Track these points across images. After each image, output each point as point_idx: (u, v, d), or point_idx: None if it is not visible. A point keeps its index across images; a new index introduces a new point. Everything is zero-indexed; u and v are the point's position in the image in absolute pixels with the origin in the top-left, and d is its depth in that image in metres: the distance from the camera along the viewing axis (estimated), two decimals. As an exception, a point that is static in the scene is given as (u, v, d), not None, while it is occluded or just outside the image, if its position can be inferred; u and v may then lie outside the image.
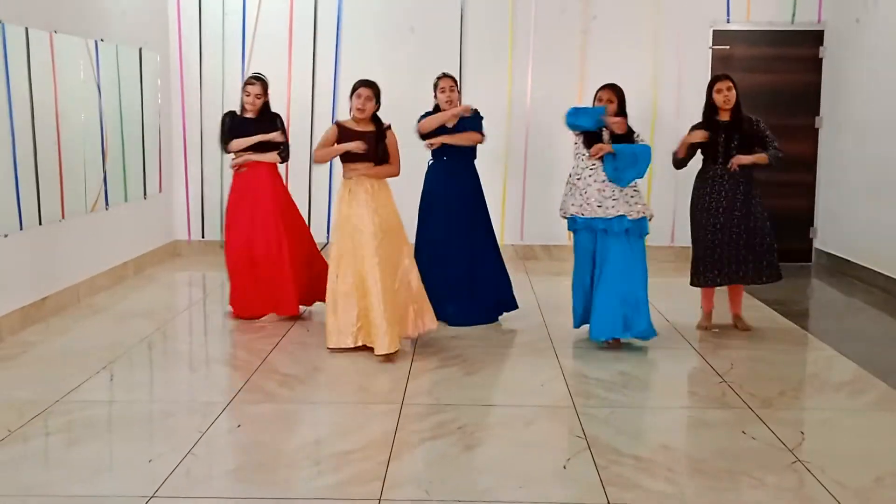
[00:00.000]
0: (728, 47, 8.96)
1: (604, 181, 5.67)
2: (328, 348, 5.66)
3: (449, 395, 4.95)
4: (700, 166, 6.31)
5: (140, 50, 8.13)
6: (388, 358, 5.47)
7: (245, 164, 6.50)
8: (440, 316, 6.03)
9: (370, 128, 5.73)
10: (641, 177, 5.74)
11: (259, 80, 6.54)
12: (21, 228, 6.12)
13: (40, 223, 6.37)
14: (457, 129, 6.35)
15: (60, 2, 6.77)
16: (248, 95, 6.49)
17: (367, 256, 5.53)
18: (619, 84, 5.88)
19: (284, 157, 6.60)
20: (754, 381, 5.16)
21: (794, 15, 8.93)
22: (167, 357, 5.70)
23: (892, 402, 4.86)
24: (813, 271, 8.93)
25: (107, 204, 7.48)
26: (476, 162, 6.53)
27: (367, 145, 5.63)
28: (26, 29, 6.15)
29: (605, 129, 5.72)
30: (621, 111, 5.78)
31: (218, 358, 5.71)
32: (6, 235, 5.95)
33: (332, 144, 5.71)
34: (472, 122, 6.38)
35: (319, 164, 6.00)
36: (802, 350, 6.03)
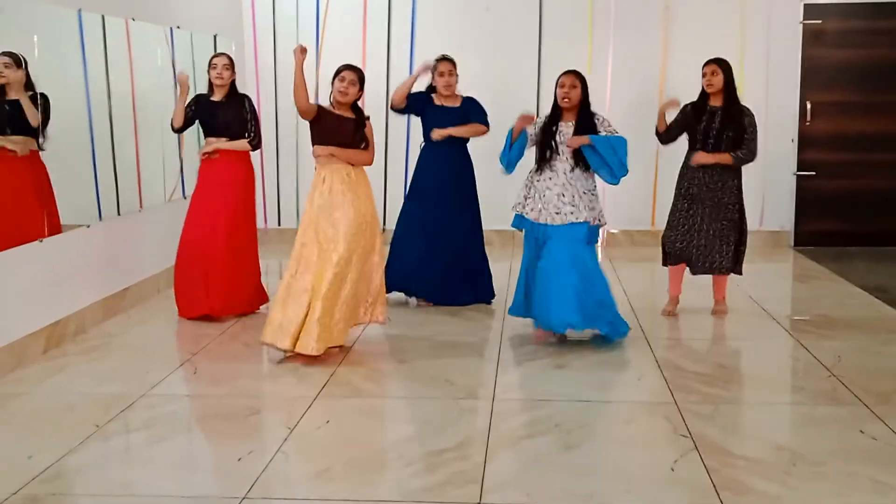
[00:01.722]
0: (820, 21, 8.54)
1: (563, 185, 5.33)
2: (262, 342, 5.23)
3: (542, 390, 4.74)
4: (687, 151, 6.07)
5: (215, 37, 8.05)
6: (309, 359, 5.10)
7: (215, 150, 6.08)
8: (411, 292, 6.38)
9: (349, 115, 5.38)
10: (625, 170, 5.35)
11: (224, 53, 6.21)
12: (100, 219, 6.07)
13: (119, 213, 6.31)
14: (461, 120, 6.30)
15: (136, -11, 6.70)
16: (214, 68, 6.06)
17: (330, 260, 5.10)
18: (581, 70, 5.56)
19: (255, 145, 6.19)
20: (866, 376, 4.85)
21: (890, -14, 8.48)
22: (249, 349, 5.59)
23: None
24: (912, 255, 8.50)
25: (184, 194, 7.41)
26: (469, 147, 6.46)
27: (345, 132, 5.28)
28: (102, 16, 6.08)
29: (557, 132, 5.41)
30: (585, 98, 5.44)
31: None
32: (89, 226, 5.90)
33: (310, 106, 5.32)
34: (476, 113, 6.33)
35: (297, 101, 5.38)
36: (913, 341, 5.69)
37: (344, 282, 5.14)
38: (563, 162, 5.39)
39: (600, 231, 5.59)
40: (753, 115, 5.94)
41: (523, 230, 5.58)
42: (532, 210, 5.42)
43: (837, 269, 7.64)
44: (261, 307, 6.29)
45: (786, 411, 4.46)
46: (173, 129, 6.22)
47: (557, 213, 5.32)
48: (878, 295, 6.70)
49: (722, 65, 5.89)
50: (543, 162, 5.43)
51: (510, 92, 8.34)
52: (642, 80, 8.63)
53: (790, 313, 6.27)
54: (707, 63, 5.94)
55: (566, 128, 5.43)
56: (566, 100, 5.41)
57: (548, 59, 8.69)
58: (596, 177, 5.44)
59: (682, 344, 5.56)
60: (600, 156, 5.32)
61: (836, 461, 3.76)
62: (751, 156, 5.87)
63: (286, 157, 9.05)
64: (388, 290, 5.85)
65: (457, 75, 6.37)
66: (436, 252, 6.31)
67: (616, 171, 5.35)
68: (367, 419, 4.39)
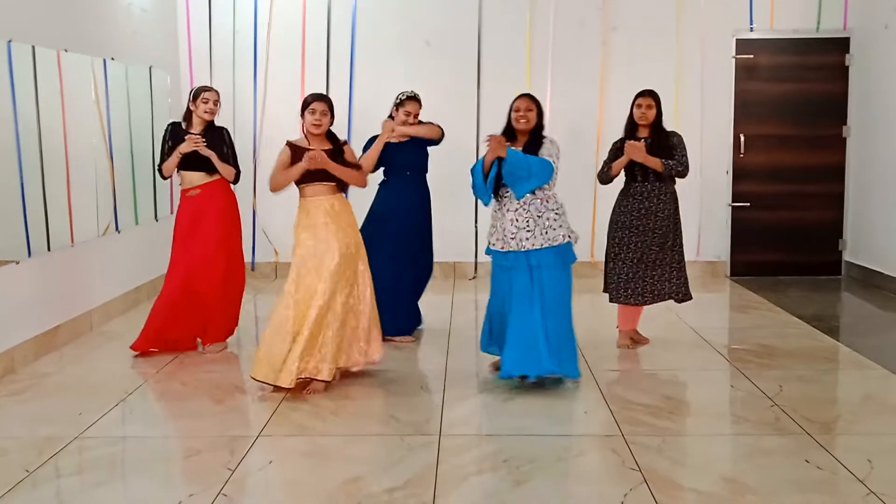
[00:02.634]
0: (752, 56, 8.73)
1: (517, 210, 5.23)
2: (252, 377, 5.18)
3: (489, 424, 4.68)
4: (622, 184, 6.09)
5: (150, 69, 7.91)
6: (281, 389, 5.08)
7: (197, 186, 6.00)
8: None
9: (326, 145, 5.33)
10: (524, 190, 5.18)
11: (213, 88, 6.13)
12: (30, 255, 5.87)
13: (49, 249, 6.12)
14: (418, 145, 6.29)
15: (69, 20, 6.54)
16: (206, 103, 5.97)
17: (315, 290, 5.09)
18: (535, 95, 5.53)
19: (237, 177, 6.12)
20: (808, 404, 4.90)
21: (819, 22, 8.71)
22: (187, 387, 5.44)
23: (958, 424, 4.61)
24: (843, 284, 8.67)
25: (117, 227, 7.23)
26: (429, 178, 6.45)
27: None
28: (33, 47, 5.91)
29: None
30: (539, 121, 5.39)
31: (241, 387, 5.42)
32: (17, 262, 5.70)
33: (288, 167, 5.23)
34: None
35: (277, 192, 5.36)
36: (851, 369, 5.76)
37: (326, 316, 5.10)
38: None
39: (572, 247, 5.36)
40: (681, 136, 6.00)
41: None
42: (497, 240, 5.31)
43: (774, 298, 7.76)
44: (227, 339, 6.23)
45: (732, 442, 4.46)
46: (163, 176, 6.15)
47: (512, 239, 5.21)
48: (815, 324, 6.80)
49: (656, 98, 5.95)
50: (497, 190, 5.32)
51: (449, 125, 8.32)
52: (581, 113, 8.71)
53: (730, 343, 6.32)
54: (642, 94, 5.96)
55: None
56: (523, 121, 5.32)
57: (486, 91, 8.74)
58: (557, 196, 5.34)
59: (626, 376, 5.55)
60: (512, 171, 5.16)
61: (786, 492, 3.77)
62: (680, 167, 5.85)
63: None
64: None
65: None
66: (397, 292, 6.26)
67: (517, 188, 5.19)
68: (312, 459, 4.28)
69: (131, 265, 7.55)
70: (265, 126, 8.79)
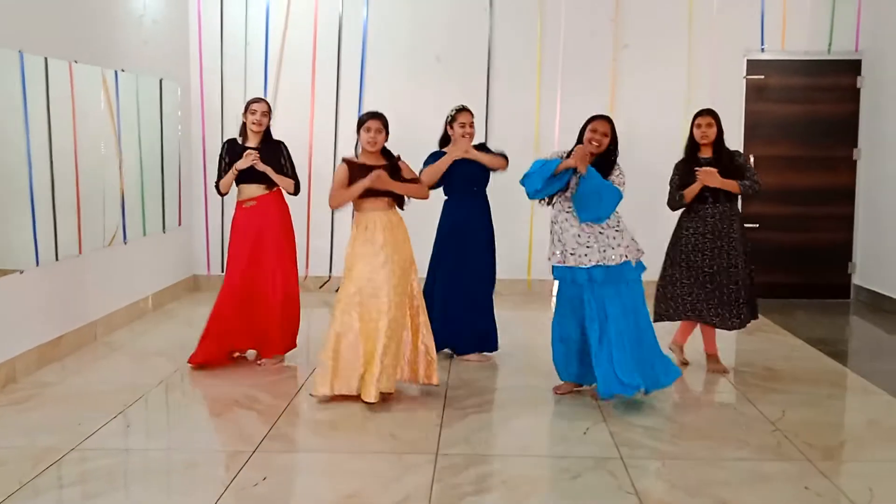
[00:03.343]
0: (763, 77, 8.71)
1: (580, 225, 5.23)
2: (312, 395, 5.27)
3: (488, 444, 4.65)
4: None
5: (160, 81, 7.95)
6: (372, 406, 5.14)
7: (255, 198, 6.07)
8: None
9: (381, 162, 5.42)
10: (601, 221, 5.20)
11: (263, 99, 6.19)
12: (37, 264, 5.89)
13: (57, 258, 6.14)
14: (481, 167, 6.16)
15: (80, 31, 6.58)
16: (253, 114, 6.02)
17: (380, 304, 5.18)
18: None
19: (297, 189, 6.18)
20: (810, 430, 4.86)
21: (830, 44, 8.68)
22: (187, 400, 5.43)
23: (962, 453, 4.55)
24: (852, 308, 8.61)
25: (125, 238, 7.26)
26: (497, 194, 6.36)
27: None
28: (45, 59, 5.95)
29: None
30: (613, 146, 5.36)
31: (241, 401, 5.41)
32: (22, 272, 5.72)
33: (346, 185, 5.35)
34: (490, 150, 6.22)
35: (338, 209, 5.57)
36: (856, 394, 5.71)
37: (397, 329, 5.22)
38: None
39: (637, 263, 5.33)
40: (741, 153, 6.02)
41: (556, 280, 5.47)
42: (555, 254, 5.31)
43: (781, 321, 7.71)
44: (285, 353, 6.22)
45: (732, 467, 4.41)
46: (220, 193, 6.18)
47: (572, 254, 5.22)
48: (821, 348, 6.75)
49: (715, 116, 5.94)
50: (558, 202, 5.34)
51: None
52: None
53: (735, 365, 6.27)
54: (701, 114, 5.95)
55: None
56: (596, 144, 5.30)
57: (496, 105, 8.74)
58: (618, 211, 5.31)
59: (629, 396, 5.51)
60: (585, 192, 5.15)
61: (782, 519, 3.73)
62: (757, 185, 5.84)
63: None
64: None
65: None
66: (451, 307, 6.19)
67: (582, 213, 5.18)
68: (307, 475, 4.27)
69: (138, 276, 7.57)
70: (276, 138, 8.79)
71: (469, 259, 6.18)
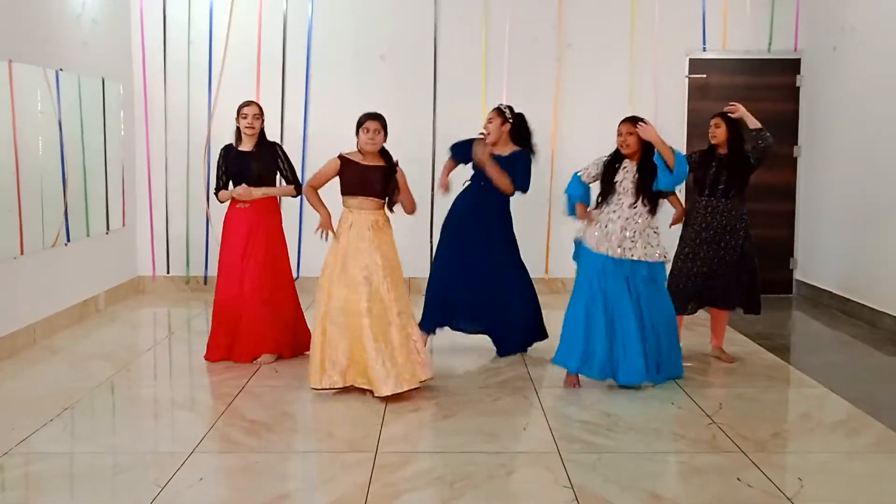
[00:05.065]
0: (705, 76, 8.83)
1: (626, 219, 5.45)
2: (312, 388, 5.33)
3: (426, 442, 4.66)
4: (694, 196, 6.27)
5: (102, 80, 7.86)
6: (387, 399, 5.20)
7: (248, 201, 6.04)
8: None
9: (379, 162, 5.43)
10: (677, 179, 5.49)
11: (253, 102, 6.18)
12: (-27, 267, 5.81)
13: (-6, 260, 6.05)
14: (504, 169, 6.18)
15: (19, 30, 6.49)
16: (244, 118, 6.03)
17: (361, 300, 5.20)
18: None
19: (299, 190, 6.20)
20: (745, 422, 4.93)
21: (770, 43, 8.82)
22: (125, 403, 5.38)
23: (891, 442, 4.65)
24: (794, 303, 8.75)
25: (68, 239, 7.17)
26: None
27: (375, 180, 5.36)
28: (-20, 58, 5.87)
29: (621, 169, 5.56)
30: (644, 143, 5.53)
31: (181, 403, 5.37)
32: (-45, 275, 5.64)
33: (330, 177, 5.43)
34: (516, 170, 6.16)
35: (308, 195, 5.50)
36: (792, 388, 5.81)
37: (389, 324, 5.24)
38: (627, 197, 5.48)
39: (664, 266, 5.61)
40: (757, 129, 6.17)
41: (577, 263, 5.63)
42: (591, 238, 5.50)
43: (723, 316, 7.79)
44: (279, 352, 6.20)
45: (666, 460, 4.48)
46: (219, 200, 6.20)
47: (619, 247, 5.42)
48: (761, 342, 6.86)
49: (724, 117, 6.14)
50: (606, 196, 5.55)
51: (405, 139, 8.35)
52: (535, 129, 8.72)
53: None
54: (713, 116, 6.22)
55: (630, 165, 5.53)
56: (625, 146, 5.52)
57: (442, 105, 8.76)
58: (658, 216, 5.55)
59: (570, 392, 5.55)
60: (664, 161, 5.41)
61: (713, 510, 3.79)
62: (770, 139, 6.05)
63: (175, 200, 8.85)
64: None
65: (503, 123, 6.21)
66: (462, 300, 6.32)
67: (666, 177, 5.43)
68: (243, 476, 4.24)
69: (80, 277, 7.48)
70: (219, 138, 8.73)
71: (472, 250, 6.19)
